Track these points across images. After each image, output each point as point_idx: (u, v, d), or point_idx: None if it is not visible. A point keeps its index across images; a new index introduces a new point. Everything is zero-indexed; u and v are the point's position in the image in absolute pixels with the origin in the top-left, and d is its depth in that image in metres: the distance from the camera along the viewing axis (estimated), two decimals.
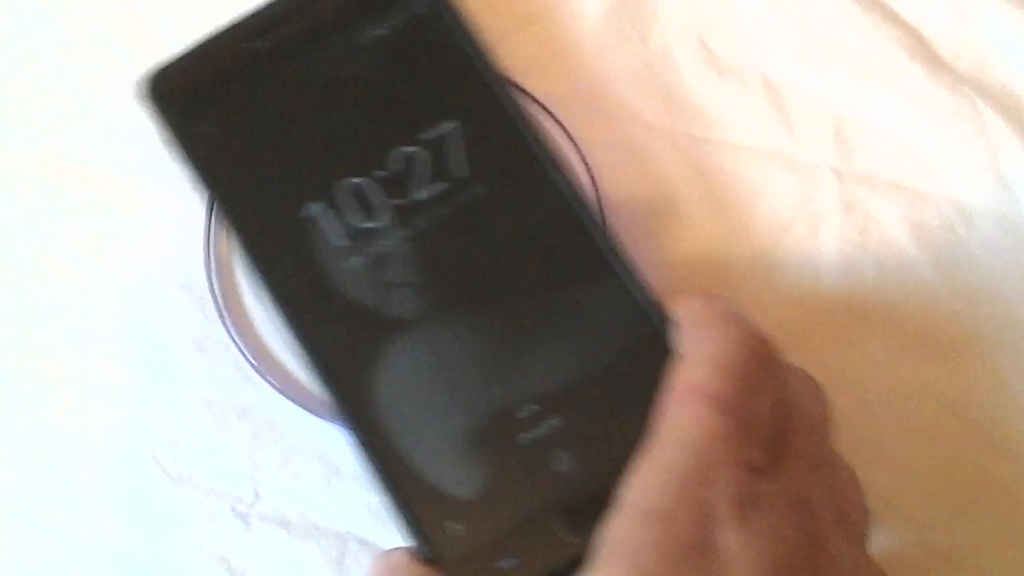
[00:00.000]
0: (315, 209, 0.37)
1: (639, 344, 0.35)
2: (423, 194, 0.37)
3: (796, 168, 0.44)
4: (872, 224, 0.44)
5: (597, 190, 0.43)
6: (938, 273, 0.43)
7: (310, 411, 0.42)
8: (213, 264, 0.43)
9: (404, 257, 0.36)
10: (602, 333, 0.36)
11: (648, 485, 0.31)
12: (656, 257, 0.44)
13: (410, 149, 0.37)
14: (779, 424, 0.32)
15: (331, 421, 0.41)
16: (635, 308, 0.36)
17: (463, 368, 0.36)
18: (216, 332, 0.43)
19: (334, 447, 0.43)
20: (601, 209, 0.43)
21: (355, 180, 0.37)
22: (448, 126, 0.37)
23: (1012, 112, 0.44)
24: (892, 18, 0.45)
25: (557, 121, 0.44)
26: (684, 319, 0.34)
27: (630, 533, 0.30)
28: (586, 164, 0.43)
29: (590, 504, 0.32)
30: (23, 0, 0.45)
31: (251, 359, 0.43)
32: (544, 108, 0.44)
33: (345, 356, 0.36)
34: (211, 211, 0.42)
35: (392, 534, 0.39)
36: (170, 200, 0.44)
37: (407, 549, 0.34)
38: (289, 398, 0.42)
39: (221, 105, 0.38)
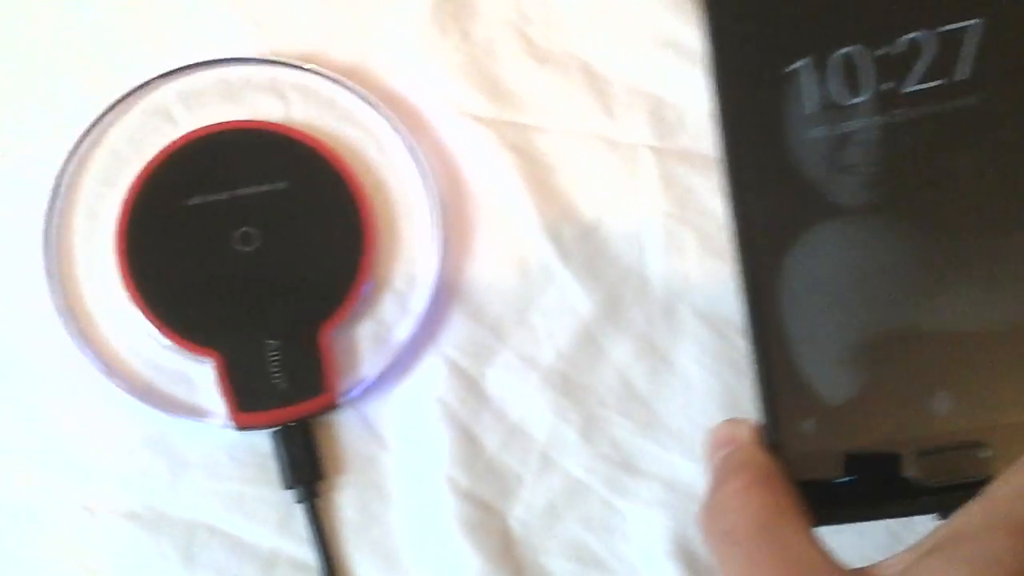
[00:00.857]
0: (802, 66, 0.34)
1: None
2: (916, 86, 0.34)
3: (617, 148, 0.46)
4: (691, 197, 0.45)
5: (428, 180, 0.45)
6: None
7: (152, 405, 0.44)
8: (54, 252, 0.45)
9: (870, 144, 0.34)
10: None
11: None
12: (489, 244, 0.45)
13: (922, 35, 0.34)
14: None
15: (173, 414, 0.43)
16: None
17: (882, 275, 0.33)
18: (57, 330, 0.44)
19: (180, 439, 0.44)
20: (431, 202, 0.45)
21: (853, 50, 0.34)
22: (971, 23, 0.33)
23: None
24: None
25: (386, 118, 0.46)
26: None
27: (987, 536, 0.27)
28: (415, 159, 0.46)
29: (954, 465, 0.31)
30: None
31: (94, 357, 0.44)
32: (372, 106, 0.46)
33: (772, 223, 0.34)
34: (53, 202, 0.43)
35: (244, 522, 0.41)
36: None
37: (754, 425, 0.33)
38: (128, 391, 0.44)
39: None
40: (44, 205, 0.45)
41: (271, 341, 0.43)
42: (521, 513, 0.43)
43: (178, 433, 0.44)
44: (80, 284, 0.45)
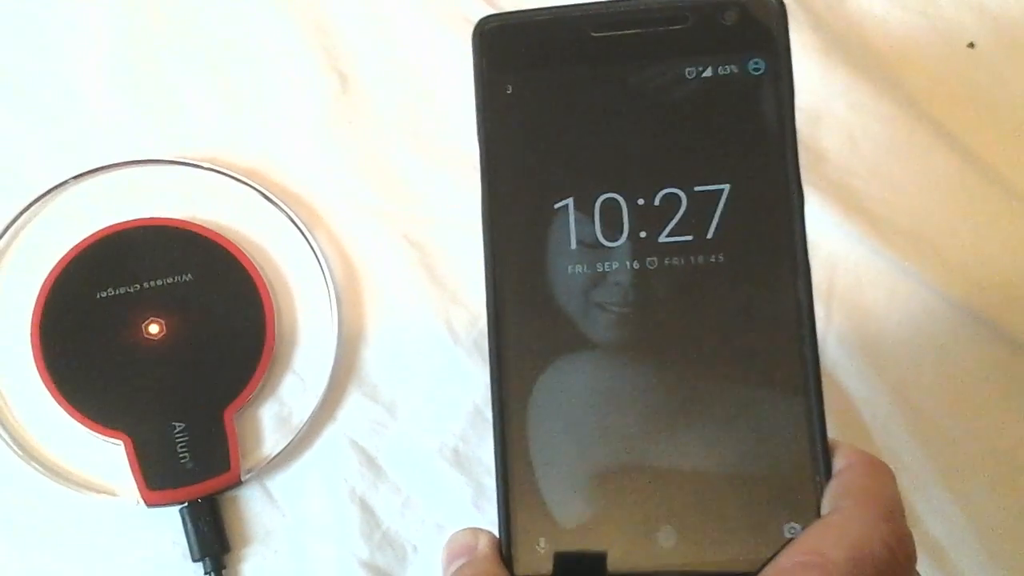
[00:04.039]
0: (568, 205, 0.36)
1: (790, 468, 0.34)
2: (667, 238, 0.36)
3: None
4: None
5: (325, 275, 0.49)
6: None
7: (66, 485, 0.47)
8: None
9: (620, 285, 0.36)
10: (763, 441, 0.34)
11: None
12: (384, 328, 0.49)
13: (679, 192, 0.36)
14: None
15: (86, 493, 0.46)
16: (804, 436, 0.34)
17: (620, 410, 0.35)
18: None
19: (93, 516, 0.47)
20: (331, 289, 0.49)
21: (616, 196, 0.36)
22: (724, 187, 0.36)
23: None
24: None
25: (284, 212, 0.50)
26: (844, 480, 0.32)
27: None
28: (314, 250, 0.50)
29: None
30: None
31: (10, 439, 0.47)
32: (271, 201, 0.50)
33: (526, 349, 0.36)
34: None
35: None
36: None
37: (492, 538, 0.34)
38: (43, 472, 0.47)
39: (537, 73, 0.37)
40: None
41: (178, 423, 0.46)
42: None
43: (91, 511, 0.47)
44: None
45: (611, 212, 0.36)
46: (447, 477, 0.48)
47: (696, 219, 0.36)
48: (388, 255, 0.50)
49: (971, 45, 0.54)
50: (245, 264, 0.48)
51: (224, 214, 0.49)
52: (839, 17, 0.53)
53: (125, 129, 0.51)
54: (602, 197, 0.36)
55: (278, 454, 0.47)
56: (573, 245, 0.36)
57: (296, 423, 0.47)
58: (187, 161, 0.50)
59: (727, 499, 0.34)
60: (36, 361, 0.47)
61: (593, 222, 0.36)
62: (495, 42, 0.37)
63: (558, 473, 0.35)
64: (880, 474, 0.32)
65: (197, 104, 0.51)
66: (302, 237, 0.49)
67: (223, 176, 0.50)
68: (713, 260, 0.36)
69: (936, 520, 0.48)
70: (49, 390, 0.46)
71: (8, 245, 0.49)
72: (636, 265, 0.36)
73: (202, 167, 0.50)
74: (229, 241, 0.48)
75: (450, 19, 0.52)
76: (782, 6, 0.37)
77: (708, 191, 0.36)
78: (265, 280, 0.48)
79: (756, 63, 0.37)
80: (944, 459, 0.48)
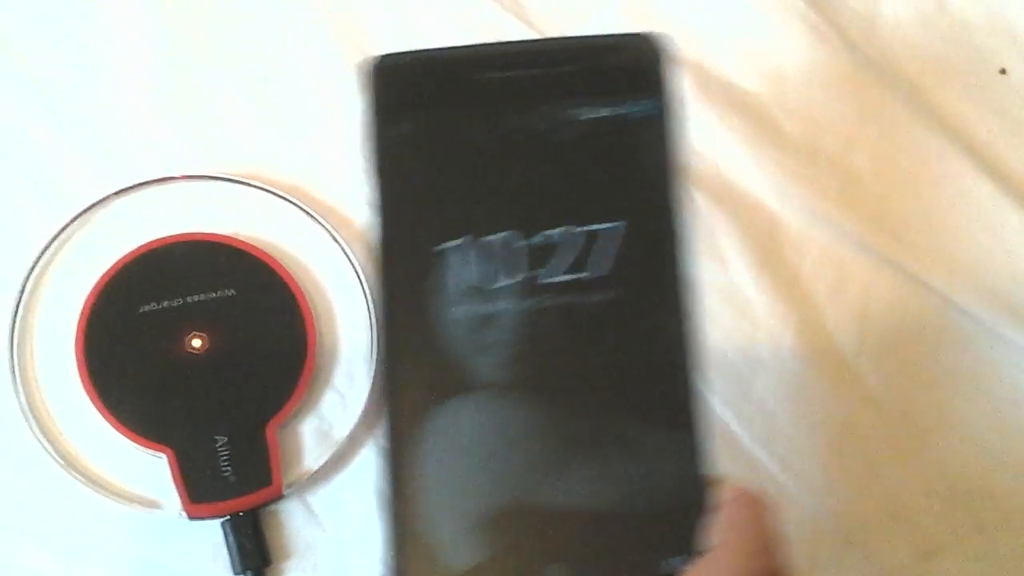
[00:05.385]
0: (454, 247, 0.36)
1: (675, 504, 0.35)
2: (558, 277, 0.36)
3: None
4: None
5: (365, 291, 0.50)
6: None
7: (109, 497, 0.47)
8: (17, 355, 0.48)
9: (508, 327, 0.36)
10: (649, 477, 0.35)
11: None
12: None
13: (569, 230, 0.37)
14: None
15: (129, 505, 0.47)
16: (687, 472, 0.35)
17: (508, 450, 0.35)
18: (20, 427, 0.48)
19: (136, 529, 0.48)
20: (369, 302, 0.49)
21: (505, 236, 0.37)
22: (614, 224, 0.37)
23: (721, 193, 0.52)
24: None
25: (325, 228, 0.50)
26: (723, 515, 0.33)
27: None
28: (355, 267, 0.50)
29: None
30: None
31: (53, 452, 0.47)
32: (312, 217, 0.50)
33: (416, 391, 0.36)
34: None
35: None
36: None
37: None
38: (86, 484, 0.47)
39: (429, 113, 0.38)
40: (9, 312, 0.48)
41: (220, 437, 0.47)
42: None
43: (134, 522, 0.47)
44: (41, 384, 0.49)
45: (502, 252, 0.36)
46: None
47: (585, 257, 0.36)
48: None
49: (1003, 71, 0.54)
50: (286, 280, 0.49)
51: (266, 230, 0.50)
52: (871, 42, 0.54)
53: (168, 145, 0.51)
54: (493, 237, 0.36)
55: (319, 469, 0.48)
56: (463, 288, 0.36)
57: (336, 438, 0.48)
58: (229, 177, 0.50)
59: (613, 535, 0.34)
60: (80, 374, 0.47)
61: (484, 262, 0.36)
62: (388, 81, 0.37)
63: (448, 515, 0.35)
64: (757, 509, 0.33)
65: (239, 120, 0.52)
66: (343, 253, 0.50)
67: (265, 192, 0.50)
68: (602, 297, 0.36)
69: None
70: (93, 402, 0.47)
71: (52, 259, 0.50)
72: (525, 304, 0.36)
73: (244, 183, 0.50)
74: (271, 257, 0.49)
75: (487, 39, 0.53)
76: (667, 49, 0.38)
77: (597, 229, 0.36)
78: (306, 296, 0.49)
79: (643, 104, 0.37)
80: (983, 480, 0.49)
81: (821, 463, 0.48)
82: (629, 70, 0.38)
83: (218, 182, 0.50)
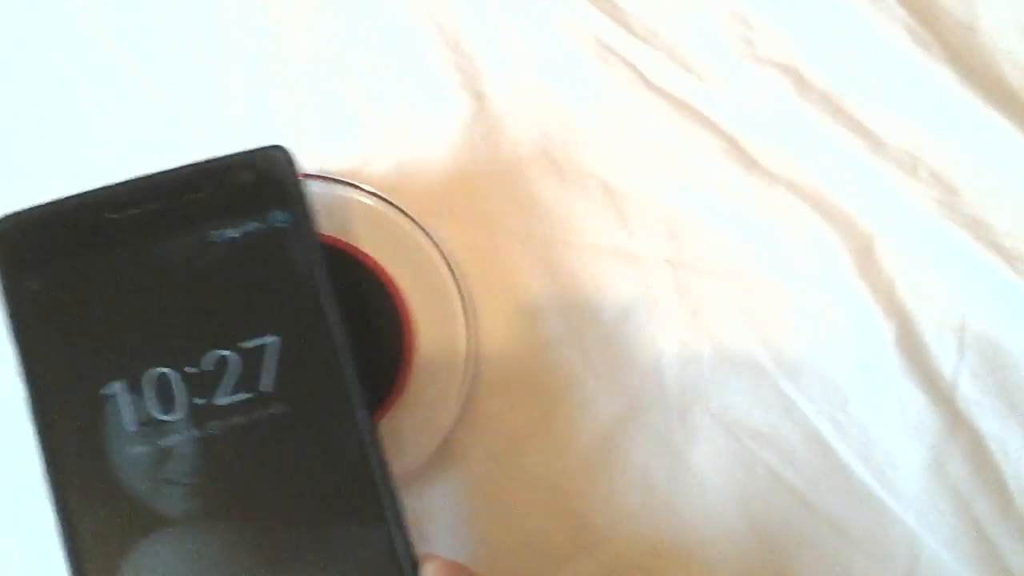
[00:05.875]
0: (117, 388, 0.37)
1: None
2: (225, 400, 0.37)
3: (634, 261, 0.50)
4: (704, 307, 0.50)
5: (460, 288, 0.49)
6: (766, 350, 0.49)
7: None
8: None
9: (187, 457, 0.37)
10: (354, 574, 0.36)
11: None
12: (516, 345, 0.49)
13: (226, 353, 0.37)
14: None
15: None
16: (392, 561, 0.36)
17: None
18: None
19: None
20: (464, 304, 0.48)
21: (164, 370, 0.37)
22: (269, 340, 0.38)
23: (819, 203, 0.51)
24: (710, 126, 0.52)
25: (422, 228, 0.49)
26: None
27: None
28: (450, 266, 0.49)
29: None
30: None
31: None
32: (410, 218, 0.49)
33: (102, 539, 0.36)
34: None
35: None
36: None
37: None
38: None
39: (61, 265, 0.38)
40: None
41: None
42: None
43: None
44: None
45: (163, 386, 0.37)
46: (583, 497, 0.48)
47: (250, 376, 0.37)
48: (522, 276, 0.50)
49: None
50: (383, 279, 0.48)
51: (362, 228, 0.49)
52: (973, 51, 0.53)
53: (265, 143, 0.50)
54: (150, 373, 0.37)
55: (418, 467, 0.47)
56: (132, 427, 0.37)
57: (435, 436, 0.47)
58: (326, 175, 0.50)
59: None
60: None
61: (145, 400, 0.37)
62: (11, 240, 0.38)
63: None
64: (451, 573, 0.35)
65: (336, 119, 0.51)
66: (439, 254, 0.49)
67: (360, 191, 0.49)
68: (273, 412, 0.37)
69: None
70: None
71: None
72: (198, 433, 0.37)
73: (341, 181, 0.50)
74: (367, 255, 0.48)
75: (583, 40, 0.52)
76: (289, 158, 0.40)
77: (255, 346, 0.37)
78: (403, 294, 0.48)
79: (276, 215, 0.39)
80: None
81: (918, 476, 0.48)
82: (257, 186, 0.39)
83: (315, 180, 0.50)
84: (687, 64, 0.52)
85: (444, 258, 0.49)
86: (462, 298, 0.49)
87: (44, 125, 0.51)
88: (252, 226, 0.39)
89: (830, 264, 0.50)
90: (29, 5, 0.52)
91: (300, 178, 0.39)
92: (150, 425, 0.37)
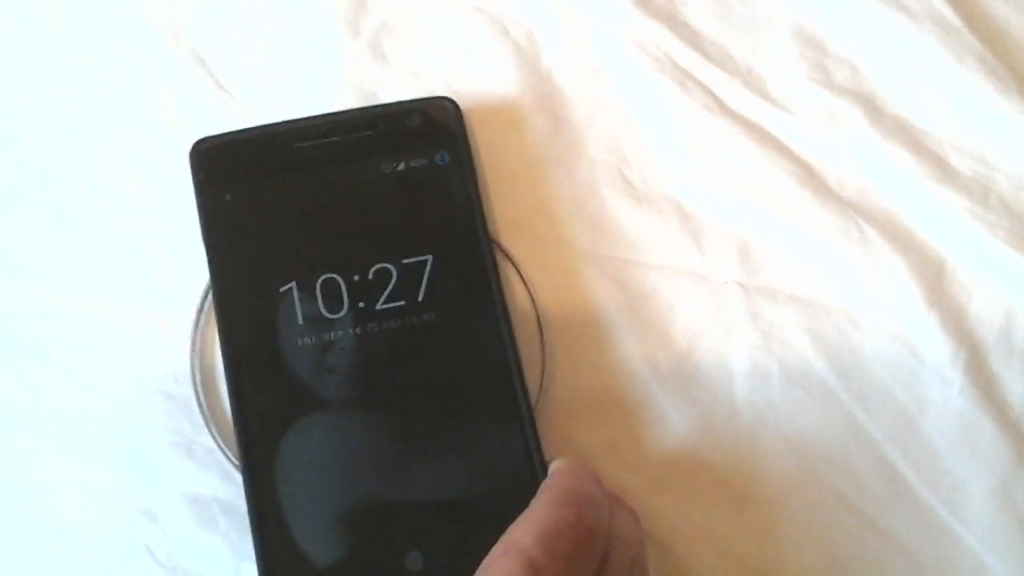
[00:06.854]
0: (292, 288, 0.43)
1: (513, 486, 0.41)
2: (383, 305, 0.43)
3: (707, 283, 0.51)
4: (775, 331, 0.50)
5: (536, 306, 0.49)
6: (835, 374, 0.50)
7: None
8: (199, 377, 0.48)
9: (346, 350, 0.42)
10: (489, 467, 0.41)
11: None
12: (588, 363, 0.50)
13: (388, 266, 0.44)
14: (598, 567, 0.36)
15: None
16: (521, 456, 0.42)
17: (359, 456, 0.41)
18: (203, 438, 0.47)
19: None
20: (539, 322, 0.49)
21: (334, 276, 0.43)
22: (426, 258, 0.44)
23: (890, 230, 0.51)
24: (785, 152, 0.52)
25: (500, 247, 0.50)
26: (545, 483, 0.39)
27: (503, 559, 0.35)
28: (526, 284, 0.50)
29: None
30: None
31: (233, 461, 0.47)
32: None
33: (267, 414, 0.41)
34: (198, 322, 0.47)
35: None
36: (157, 317, 0.49)
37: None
38: None
39: (251, 182, 0.45)
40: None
41: None
42: None
43: None
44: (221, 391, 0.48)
45: (331, 289, 0.43)
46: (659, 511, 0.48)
47: (406, 287, 0.43)
48: (595, 295, 0.50)
49: None
50: None
51: None
52: None
53: None
54: (322, 278, 0.43)
55: None
56: (300, 321, 0.43)
57: None
58: None
59: (462, 521, 0.40)
60: None
61: (316, 300, 0.43)
62: (209, 159, 0.45)
63: (308, 520, 0.40)
64: (575, 473, 0.39)
65: None
66: (516, 273, 0.50)
67: None
68: (425, 318, 0.43)
69: None
70: None
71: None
72: (359, 331, 0.43)
73: None
74: None
75: (660, 64, 0.53)
76: (456, 107, 0.47)
77: (414, 262, 0.44)
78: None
79: (441, 156, 0.46)
80: None
81: (986, 504, 0.48)
82: (426, 129, 0.46)
83: None
84: (762, 90, 0.53)
85: (521, 278, 0.49)
86: (538, 317, 0.49)
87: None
88: (419, 162, 0.46)
89: (900, 291, 0.50)
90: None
91: (462, 125, 0.46)
92: (318, 321, 0.42)
